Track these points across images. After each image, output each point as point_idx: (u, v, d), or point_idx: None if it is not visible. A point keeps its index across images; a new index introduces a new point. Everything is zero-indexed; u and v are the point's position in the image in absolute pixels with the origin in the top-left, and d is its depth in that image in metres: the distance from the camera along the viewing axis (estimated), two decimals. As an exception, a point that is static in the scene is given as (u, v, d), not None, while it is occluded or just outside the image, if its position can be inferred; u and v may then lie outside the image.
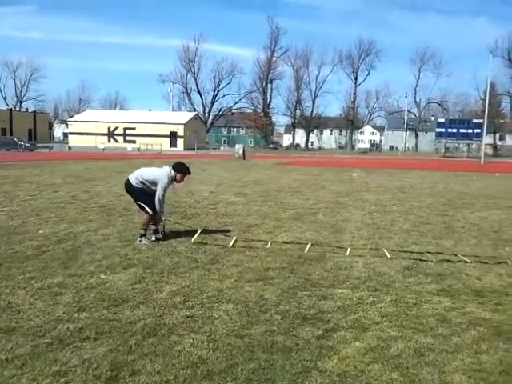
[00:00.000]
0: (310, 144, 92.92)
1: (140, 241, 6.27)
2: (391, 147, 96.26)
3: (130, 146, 57.11)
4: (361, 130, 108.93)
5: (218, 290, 4.37)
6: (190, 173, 6.75)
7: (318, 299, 4.20)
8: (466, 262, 5.73)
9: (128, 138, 64.39)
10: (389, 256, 5.87)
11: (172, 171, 6.41)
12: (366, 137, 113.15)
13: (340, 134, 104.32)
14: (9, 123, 66.63)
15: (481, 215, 9.66)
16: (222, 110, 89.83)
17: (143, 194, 6.39)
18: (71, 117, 79.45)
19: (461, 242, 6.98)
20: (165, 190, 6.32)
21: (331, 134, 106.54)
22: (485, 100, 48.87)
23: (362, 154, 72.53)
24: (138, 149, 54.40)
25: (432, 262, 5.67)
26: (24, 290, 4.27)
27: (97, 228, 7.21)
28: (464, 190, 15.22)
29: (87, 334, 3.34)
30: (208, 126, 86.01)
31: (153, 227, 6.45)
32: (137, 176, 6.53)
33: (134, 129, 64.90)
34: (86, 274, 4.76)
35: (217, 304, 4.01)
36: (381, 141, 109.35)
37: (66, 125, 79.95)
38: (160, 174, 6.40)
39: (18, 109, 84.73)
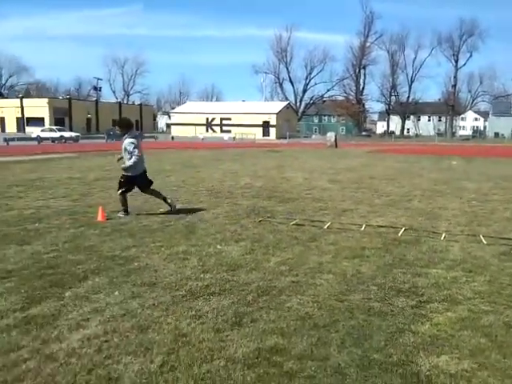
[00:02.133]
0: (405, 131, 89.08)
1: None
2: (496, 134, 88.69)
3: (226, 136, 59.56)
4: (462, 115, 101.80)
5: (318, 263, 4.89)
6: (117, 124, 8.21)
7: (412, 276, 4.53)
8: None
9: (224, 127, 67.23)
10: (485, 242, 5.93)
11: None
12: (467, 123, 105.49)
13: (439, 121, 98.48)
14: (118, 115, 72.97)
15: None
16: (314, 99, 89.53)
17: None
18: (173, 108, 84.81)
19: None
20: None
21: (429, 120, 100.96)
22: None
23: (463, 141, 67.96)
24: (234, 138, 56.56)
25: (532, 249, 5.65)
26: (157, 255, 5.16)
27: (207, 208, 8.11)
28: None
29: (213, 290, 4.06)
30: (299, 114, 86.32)
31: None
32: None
33: (229, 119, 67.55)
34: (205, 245, 5.56)
35: (318, 274, 4.53)
36: (485, 127, 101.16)
37: (169, 116, 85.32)
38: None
39: (125, 102, 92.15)
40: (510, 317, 3.57)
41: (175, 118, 73.32)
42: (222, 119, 68.56)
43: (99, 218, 6.94)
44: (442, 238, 6.12)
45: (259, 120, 65.70)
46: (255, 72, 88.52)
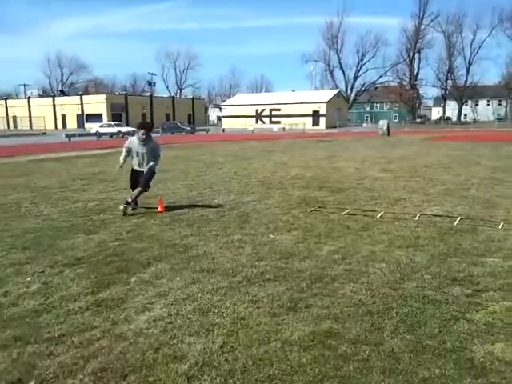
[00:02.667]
0: (462, 117, 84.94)
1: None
2: None
3: (275, 127, 59.61)
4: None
5: (370, 252, 4.94)
6: (138, 126, 7.58)
7: (468, 265, 4.48)
8: None
9: (274, 118, 67.25)
10: (548, 231, 5.71)
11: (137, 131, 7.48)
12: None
13: (499, 105, 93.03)
14: (172, 109, 75.01)
15: None
16: (365, 86, 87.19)
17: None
18: (223, 101, 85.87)
19: None
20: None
21: (488, 104, 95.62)
22: None
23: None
24: (283, 129, 56.51)
25: None
26: (213, 243, 5.41)
27: (259, 199, 8.30)
28: None
29: (268, 277, 4.24)
30: (350, 102, 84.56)
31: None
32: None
33: (279, 110, 67.43)
34: (258, 234, 5.75)
35: (371, 262, 4.59)
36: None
37: (220, 109, 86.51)
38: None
39: (178, 96, 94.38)
40: None
41: (226, 111, 74.23)
42: (271, 110, 68.55)
43: (159, 208, 7.31)
44: (500, 227, 5.95)
45: (309, 110, 65.09)
46: (305, 61, 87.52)
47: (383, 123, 37.72)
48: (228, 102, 79.23)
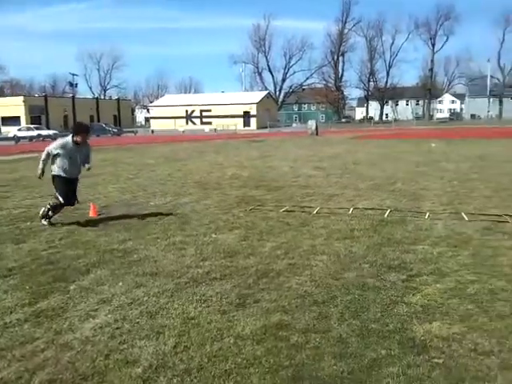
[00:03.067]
0: (384, 116, 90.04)
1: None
2: (473, 116, 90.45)
3: (207, 128, 59.39)
4: (439, 98, 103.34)
5: (311, 246, 5.10)
6: (84, 129, 6.74)
7: (401, 253, 4.78)
8: (547, 223, 5.95)
9: (204, 119, 67.00)
10: (467, 218, 6.24)
11: (71, 136, 6.50)
12: (445, 106, 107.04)
13: (417, 104, 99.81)
14: (96, 111, 71.82)
15: None
16: (293, 87, 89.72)
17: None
18: (151, 102, 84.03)
19: (543, 205, 7.09)
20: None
21: (407, 104, 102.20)
22: None
23: (441, 123, 69.16)
24: (215, 130, 56.43)
25: (509, 222, 5.96)
26: (154, 246, 5.29)
27: (198, 199, 8.25)
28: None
29: (214, 276, 4.23)
30: (279, 103, 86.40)
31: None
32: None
33: (209, 111, 67.26)
34: (200, 234, 5.71)
35: (312, 255, 4.74)
36: (461, 109, 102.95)
37: (147, 110, 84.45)
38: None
39: (102, 97, 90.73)
40: (494, 285, 3.84)
41: (154, 112, 72.68)
42: (201, 111, 68.20)
43: (91, 213, 7.01)
44: (427, 217, 6.40)
45: (240, 110, 65.56)
46: (234, 62, 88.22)
47: (312, 123, 38.97)
48: (156, 102, 77.66)
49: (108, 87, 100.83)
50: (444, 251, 4.83)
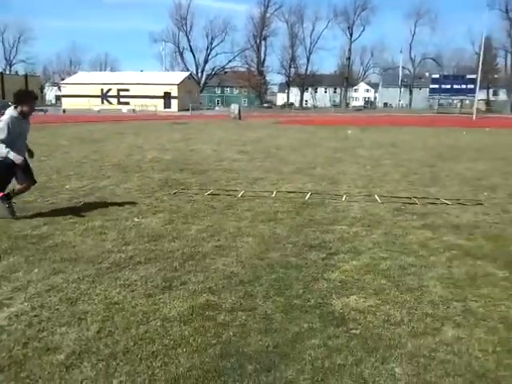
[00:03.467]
0: (304, 103, 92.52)
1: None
2: (386, 104, 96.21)
3: (124, 108, 57.00)
4: (355, 87, 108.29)
5: (237, 228, 5.18)
6: (34, 96, 5.69)
7: (321, 233, 5.02)
8: (448, 204, 6.57)
9: (122, 99, 64.19)
10: (380, 201, 6.70)
11: (13, 108, 5.35)
12: (360, 94, 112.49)
13: (334, 92, 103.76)
14: (0, 87, 65.81)
15: (466, 166, 10.49)
16: (215, 70, 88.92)
17: None
18: (63, 79, 78.53)
19: (444, 188, 7.82)
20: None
21: (325, 92, 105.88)
22: (480, 55, 48.76)
23: (356, 111, 72.67)
24: (134, 110, 54.36)
25: (417, 204, 6.51)
26: (72, 231, 5.04)
27: (117, 183, 7.96)
28: (453, 144, 16.01)
29: (138, 260, 4.15)
30: (201, 86, 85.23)
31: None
32: None
33: (127, 90, 64.56)
34: (122, 219, 5.54)
35: (238, 237, 4.82)
36: (375, 98, 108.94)
37: (59, 87, 79.02)
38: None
39: (7, 72, 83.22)
40: (404, 261, 4.19)
41: (66, 90, 68.13)
42: (118, 90, 65.22)
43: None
44: (343, 200, 6.77)
45: (160, 91, 63.67)
46: (154, 40, 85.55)
47: (235, 107, 39.01)
48: (68, 80, 72.83)
49: (14, 62, 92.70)
50: (359, 231, 5.15)
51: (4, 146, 5.19)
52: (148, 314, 3.10)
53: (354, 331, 2.91)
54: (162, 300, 3.32)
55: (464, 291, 3.55)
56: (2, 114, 5.64)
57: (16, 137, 5.30)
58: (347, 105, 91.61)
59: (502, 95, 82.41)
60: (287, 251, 4.41)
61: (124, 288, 3.56)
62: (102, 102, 64.02)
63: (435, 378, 2.45)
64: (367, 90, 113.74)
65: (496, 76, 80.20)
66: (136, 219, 5.53)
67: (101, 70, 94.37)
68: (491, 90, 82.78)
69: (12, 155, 5.22)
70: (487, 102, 78.18)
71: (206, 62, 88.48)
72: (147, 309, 3.18)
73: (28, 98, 5.51)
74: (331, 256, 4.30)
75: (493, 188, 7.85)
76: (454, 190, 7.67)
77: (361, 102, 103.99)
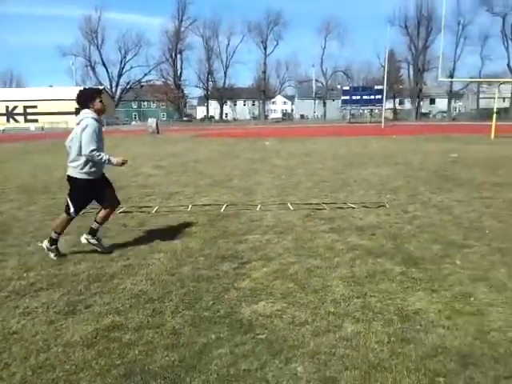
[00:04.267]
0: (224, 115, 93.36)
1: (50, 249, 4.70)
2: (302, 116, 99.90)
3: (32, 126, 53.64)
4: (273, 99, 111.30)
5: (148, 245, 5.09)
6: (97, 89, 5.15)
7: (234, 244, 5.10)
8: (354, 207, 6.98)
9: (29, 117, 60.45)
10: (292, 208, 6.96)
11: (88, 110, 4.67)
12: (278, 106, 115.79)
13: (253, 105, 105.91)
14: None
15: (372, 172, 11.20)
16: (131, 83, 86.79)
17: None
18: (-40, 96, 72.10)
19: (352, 193, 8.29)
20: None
21: (244, 104, 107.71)
22: (385, 67, 52.51)
23: (274, 123, 74.70)
24: (42, 128, 51.34)
25: (326, 209, 6.84)
26: (-34, 260, 4.65)
27: (20, 206, 7.46)
28: (362, 152, 17.02)
29: (40, 286, 3.92)
30: (116, 100, 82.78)
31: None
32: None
33: (35, 107, 60.95)
34: (24, 244, 5.21)
35: (149, 255, 4.74)
36: (292, 110, 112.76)
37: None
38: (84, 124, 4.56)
39: None
40: (311, 264, 4.39)
41: (-35, 108, 62.79)
42: (25, 107, 61.30)
43: None
44: (258, 209, 6.93)
45: (71, 107, 59.98)
46: (62, 54, 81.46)
47: (152, 121, 38.33)
48: (-32, 97, 67.17)
49: None
50: (271, 238, 5.31)
51: (99, 154, 4.58)
52: (49, 341, 2.95)
53: (260, 336, 2.99)
54: (64, 325, 3.18)
55: (364, 288, 3.80)
56: None
57: (101, 143, 4.71)
58: (266, 117, 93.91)
59: (407, 104, 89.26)
60: (199, 264, 4.42)
61: (24, 316, 3.35)
62: (8, 121, 59.78)
63: (334, 373, 2.59)
64: (284, 103, 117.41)
65: (401, 86, 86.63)
66: (39, 244, 5.22)
67: (6, 87, 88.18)
68: (397, 100, 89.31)
69: (114, 161, 4.75)
70: (394, 111, 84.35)
71: (120, 75, 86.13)
72: (48, 336, 3.03)
73: (98, 92, 4.85)
74: (243, 265, 4.39)
75: (395, 191, 8.46)
76: (361, 195, 8.16)
77: (279, 114, 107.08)
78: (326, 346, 2.86)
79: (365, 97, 64.62)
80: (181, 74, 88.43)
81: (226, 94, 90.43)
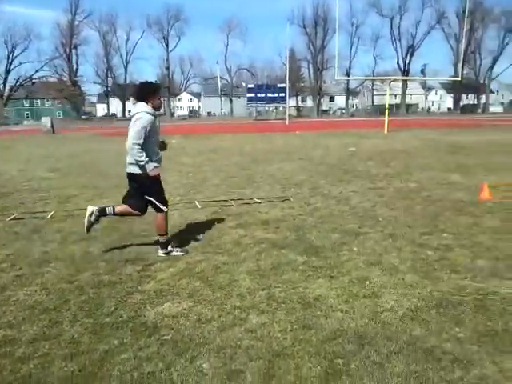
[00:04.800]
0: (127, 113, 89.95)
1: (167, 253, 4.64)
2: (209, 113, 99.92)
3: None
4: (178, 96, 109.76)
5: (43, 253, 4.74)
6: (159, 85, 4.87)
7: (138, 246, 4.95)
8: (260, 203, 7.15)
9: None
10: (199, 206, 6.92)
11: (145, 104, 4.47)
12: (184, 103, 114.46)
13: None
14: None
15: (277, 167, 11.54)
16: (21, 80, 79.84)
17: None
18: None
19: (258, 188, 8.48)
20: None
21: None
22: (286, 66, 54.32)
23: (181, 120, 73.75)
24: None
25: (233, 206, 6.92)
26: None
27: None
28: (268, 148, 17.46)
29: None
30: (5, 98, 75.78)
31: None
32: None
33: None
34: None
35: (44, 263, 4.42)
36: (199, 107, 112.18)
37: None
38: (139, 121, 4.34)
39: None
40: (218, 260, 4.41)
41: None
42: None
43: None
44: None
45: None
46: None
47: (46, 120, 35.76)
48: None
49: None
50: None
51: (143, 154, 4.33)
52: None
53: (165, 337, 2.94)
54: None
55: (269, 280, 3.91)
56: None
57: (153, 139, 4.51)
58: (172, 114, 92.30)
59: (310, 101, 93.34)
60: (100, 269, 4.22)
61: None
62: None
63: (240, 365, 2.63)
64: (190, 100, 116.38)
65: (302, 84, 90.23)
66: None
67: None
68: (300, 97, 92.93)
69: (149, 168, 4.43)
70: (297, 108, 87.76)
71: (7, 72, 78.70)
72: None
73: (158, 88, 4.66)
74: (148, 267, 4.27)
75: (299, 185, 8.81)
76: (266, 190, 8.37)
77: (185, 112, 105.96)
78: (231, 340, 2.90)
79: (269, 94, 66.23)
80: (77, 69, 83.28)
81: (129, 91, 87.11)
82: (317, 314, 3.26)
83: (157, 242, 4.75)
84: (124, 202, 4.73)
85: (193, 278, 3.96)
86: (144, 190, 4.57)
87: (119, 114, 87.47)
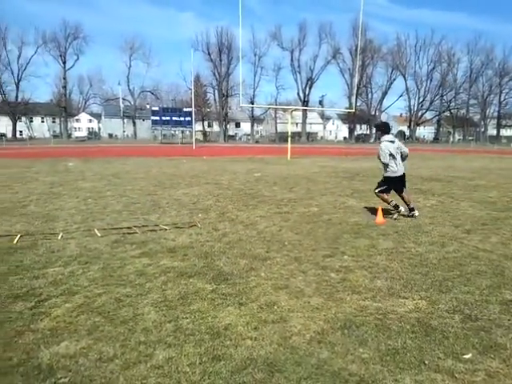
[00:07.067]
0: (18, 133, 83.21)
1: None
2: (110, 135, 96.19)
3: None
4: (77, 117, 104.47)
5: None
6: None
7: (29, 280, 4.49)
8: (166, 229, 6.95)
9: None
10: (99, 234, 6.53)
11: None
12: (83, 124, 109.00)
13: (53, 122, 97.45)
14: None
15: (183, 192, 11.39)
16: None
17: None
18: None
19: (164, 214, 8.26)
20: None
21: (43, 121, 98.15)
22: (192, 91, 54.57)
23: (79, 142, 70.07)
24: None
25: (138, 233, 6.64)
26: None
27: None
28: (174, 172, 17.22)
29: None
30: None
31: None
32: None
33: None
34: None
35: None
36: (99, 128, 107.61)
37: None
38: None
39: None
40: (120, 293, 4.15)
41: None
42: None
43: None
44: (59, 238, 6.29)
45: None
46: None
47: None
48: None
49: None
50: (75, 269, 4.86)
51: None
52: None
53: (62, 380, 2.68)
54: None
55: (176, 311, 3.76)
56: None
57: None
58: (69, 135, 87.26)
59: (216, 127, 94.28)
60: (-20, 309, 3.75)
61: None
62: None
63: (146, 406, 2.47)
64: (90, 121, 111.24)
65: (208, 110, 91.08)
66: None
67: None
68: (206, 122, 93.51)
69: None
70: (204, 133, 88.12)
71: None
72: None
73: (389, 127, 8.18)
74: (41, 303, 3.89)
75: (206, 210, 8.75)
76: (173, 215, 8.18)
77: (84, 133, 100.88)
78: (136, 379, 2.72)
79: (174, 118, 65.91)
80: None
81: (20, 109, 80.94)
82: (226, 344, 3.20)
83: None
84: None
85: (92, 314, 3.68)
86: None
87: (9, 134, 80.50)
